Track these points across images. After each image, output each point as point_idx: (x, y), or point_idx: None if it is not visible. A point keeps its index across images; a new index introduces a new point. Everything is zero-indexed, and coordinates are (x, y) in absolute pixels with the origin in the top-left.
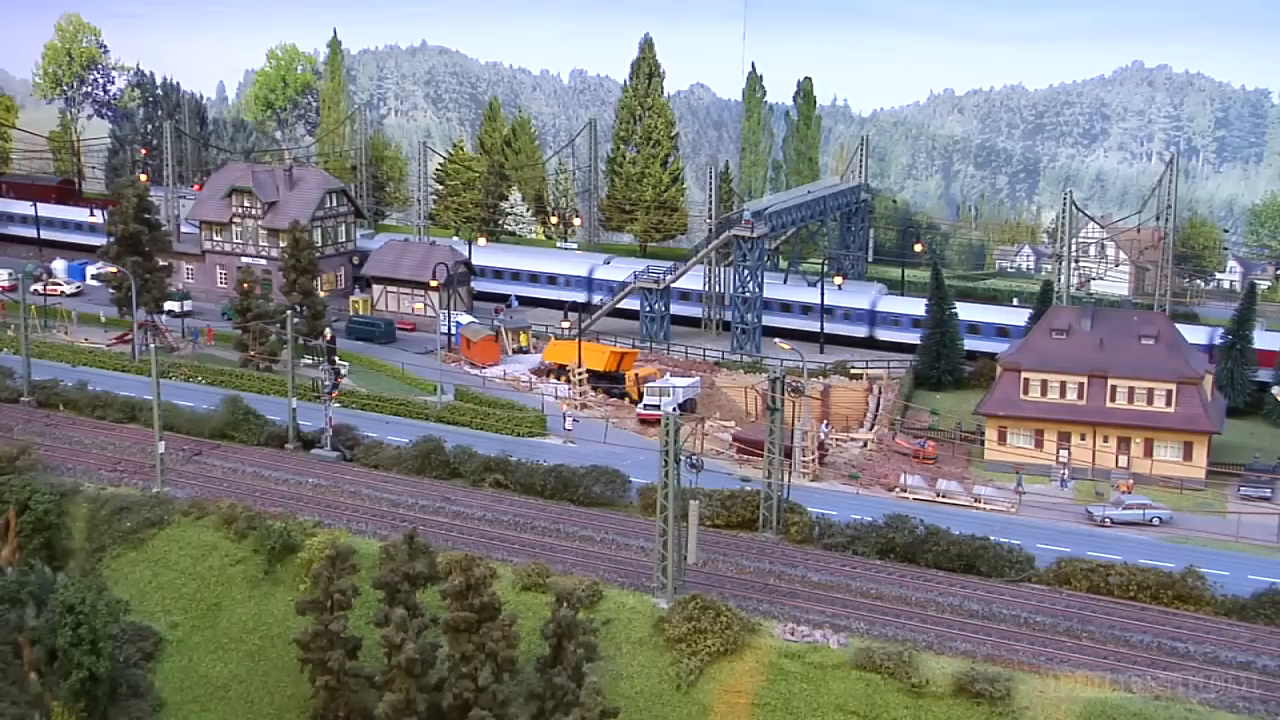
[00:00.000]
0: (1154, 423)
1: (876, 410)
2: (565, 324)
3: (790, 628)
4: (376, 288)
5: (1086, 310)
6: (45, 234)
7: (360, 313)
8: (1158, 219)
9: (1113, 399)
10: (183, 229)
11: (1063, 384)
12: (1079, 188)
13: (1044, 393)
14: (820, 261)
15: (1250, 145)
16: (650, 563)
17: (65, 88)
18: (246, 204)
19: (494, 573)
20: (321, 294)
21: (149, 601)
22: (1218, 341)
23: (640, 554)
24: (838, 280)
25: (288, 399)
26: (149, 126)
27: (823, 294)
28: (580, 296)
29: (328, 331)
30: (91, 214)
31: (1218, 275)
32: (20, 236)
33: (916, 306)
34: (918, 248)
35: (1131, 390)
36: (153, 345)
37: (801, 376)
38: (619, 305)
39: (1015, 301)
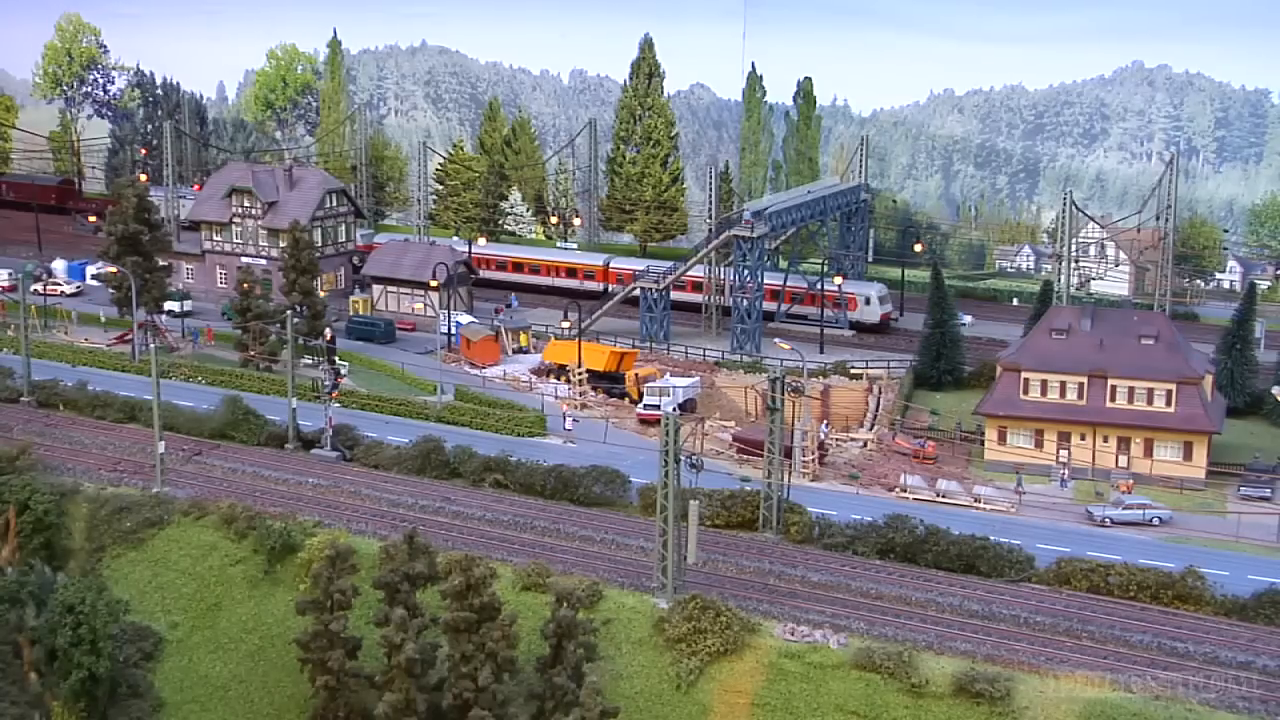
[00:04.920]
0: (1154, 423)
1: (876, 410)
2: (565, 324)
3: (790, 628)
4: (376, 288)
5: (1086, 310)
6: None
7: (360, 313)
8: (1158, 219)
9: (1113, 399)
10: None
11: (1063, 384)
12: (1079, 188)
13: (1044, 393)
14: (820, 261)
15: (1250, 145)
16: (650, 563)
17: (65, 88)
18: (246, 204)
19: (494, 573)
20: (321, 294)
21: (149, 601)
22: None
23: (640, 554)
24: (838, 280)
25: (288, 399)
26: (149, 126)
27: (823, 294)
28: None
29: (328, 331)
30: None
31: (1218, 275)
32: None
33: None
34: (918, 248)
35: (1131, 390)
36: (153, 345)
37: (801, 376)
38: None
39: (1015, 301)
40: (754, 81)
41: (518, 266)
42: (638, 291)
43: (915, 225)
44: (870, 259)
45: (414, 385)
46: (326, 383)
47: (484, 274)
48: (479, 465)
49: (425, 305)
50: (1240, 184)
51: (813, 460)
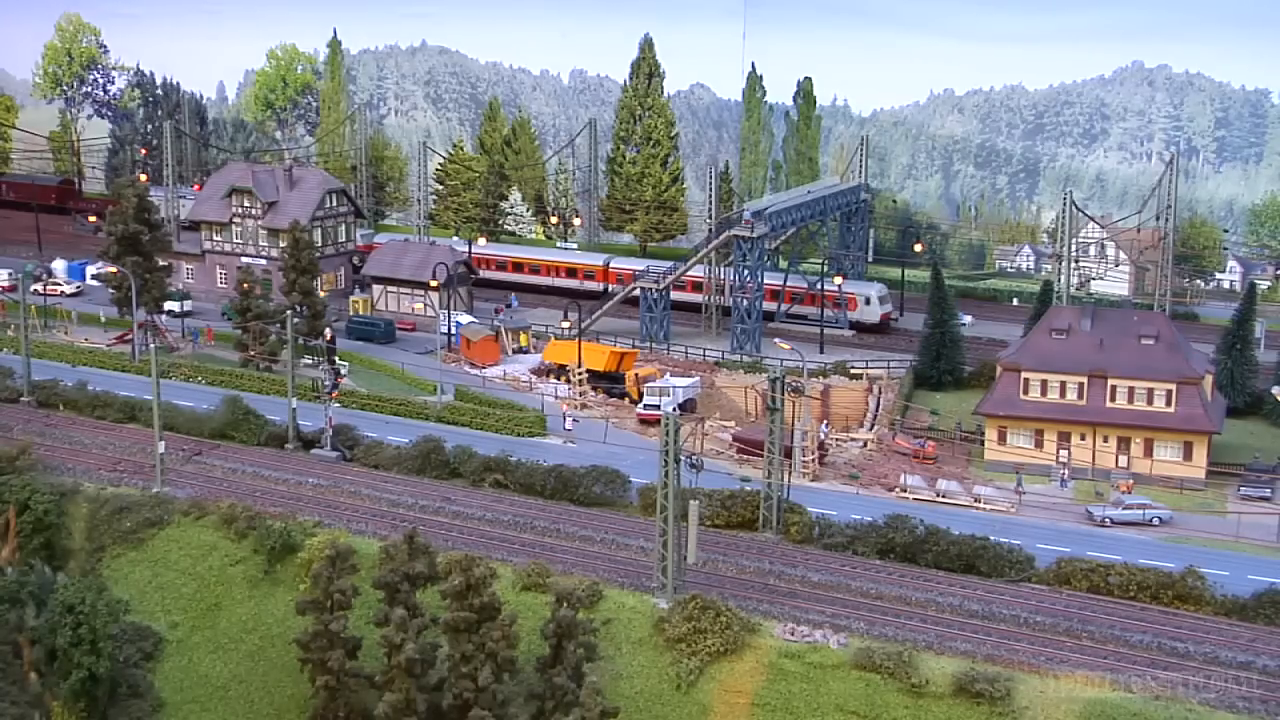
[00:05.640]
0: (1154, 423)
1: (876, 410)
2: (565, 324)
3: (790, 628)
4: (376, 288)
5: (1086, 310)
6: None
7: (360, 313)
8: (1158, 219)
9: (1113, 399)
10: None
11: (1063, 384)
12: (1079, 188)
13: (1044, 393)
14: (820, 261)
15: (1250, 145)
16: (650, 563)
17: (65, 88)
18: (246, 204)
19: (494, 573)
20: (321, 294)
21: (149, 601)
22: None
23: (640, 554)
24: (838, 280)
25: (288, 399)
26: (149, 126)
27: (823, 294)
28: None
29: (328, 331)
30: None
31: (1218, 275)
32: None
33: None
34: (918, 248)
35: (1131, 390)
36: (153, 345)
37: (801, 376)
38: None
39: (1015, 301)
40: (754, 81)
41: (518, 266)
42: (638, 291)
43: (915, 225)
44: (870, 259)
45: (414, 385)
46: (326, 383)
47: (484, 274)
48: (479, 465)
49: (425, 305)
50: (1240, 184)
51: (813, 460)
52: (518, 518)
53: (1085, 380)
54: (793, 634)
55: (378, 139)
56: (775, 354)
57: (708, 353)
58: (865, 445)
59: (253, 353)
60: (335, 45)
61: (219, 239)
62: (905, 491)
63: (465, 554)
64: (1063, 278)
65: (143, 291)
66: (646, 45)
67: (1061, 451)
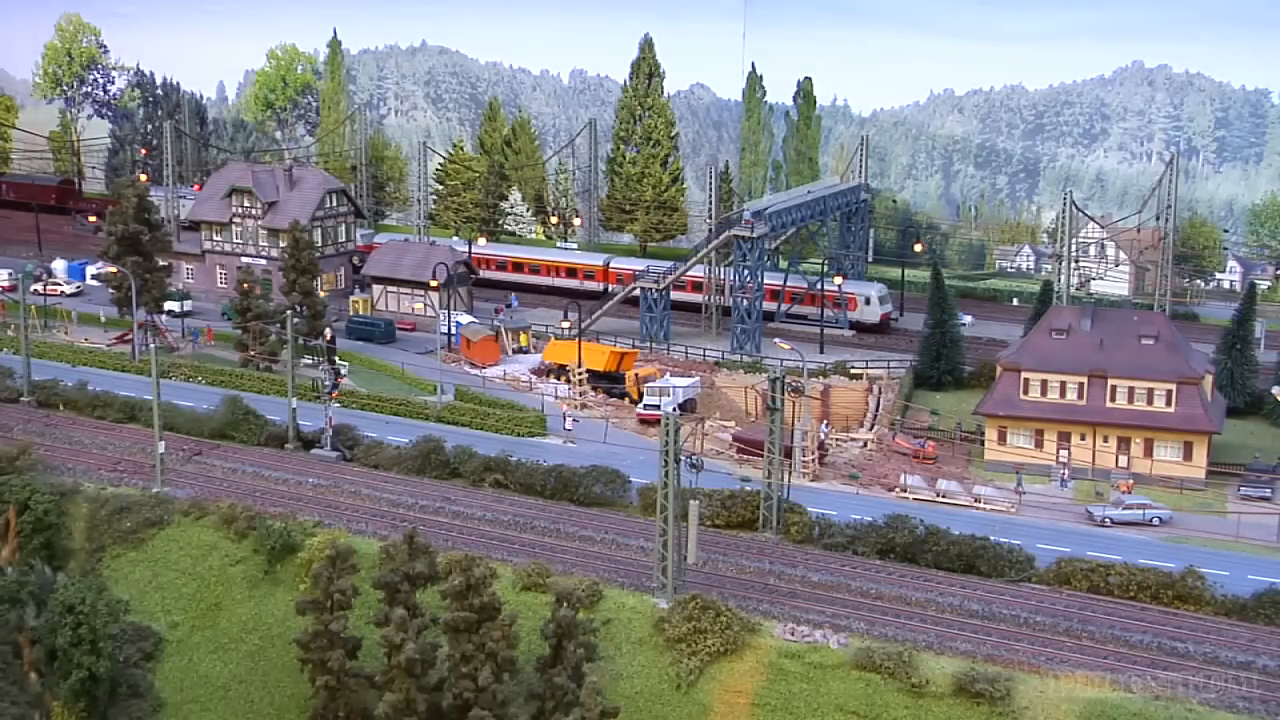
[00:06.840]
0: (1154, 423)
1: (876, 410)
2: (565, 324)
3: (790, 628)
4: (376, 288)
5: (1086, 310)
6: None
7: (360, 313)
8: (1158, 219)
9: (1113, 399)
10: None
11: (1063, 384)
12: (1079, 188)
13: (1044, 393)
14: (820, 261)
15: (1250, 145)
16: (650, 563)
17: (65, 88)
18: (246, 204)
19: (494, 573)
20: (321, 294)
21: (149, 601)
22: None
23: (640, 554)
24: (838, 280)
25: (288, 399)
26: (149, 126)
27: (823, 294)
28: None
29: (328, 331)
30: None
31: (1218, 275)
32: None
33: None
34: (918, 248)
35: (1131, 390)
36: (153, 345)
37: (801, 376)
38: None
39: (1015, 301)
40: (754, 81)
41: (518, 266)
42: (638, 291)
43: (915, 225)
44: (870, 259)
45: (414, 385)
46: (326, 383)
47: (484, 274)
48: (479, 465)
49: (425, 305)
50: (1240, 184)
51: (813, 460)
52: (518, 518)
53: (1085, 380)
54: (793, 634)
55: (378, 139)
56: (775, 354)
57: (708, 353)
58: (865, 445)
59: (253, 353)
60: (335, 45)
61: (219, 239)
62: (905, 491)
63: (465, 554)
64: (1063, 278)
65: (143, 291)
66: (646, 45)
67: (1061, 451)
